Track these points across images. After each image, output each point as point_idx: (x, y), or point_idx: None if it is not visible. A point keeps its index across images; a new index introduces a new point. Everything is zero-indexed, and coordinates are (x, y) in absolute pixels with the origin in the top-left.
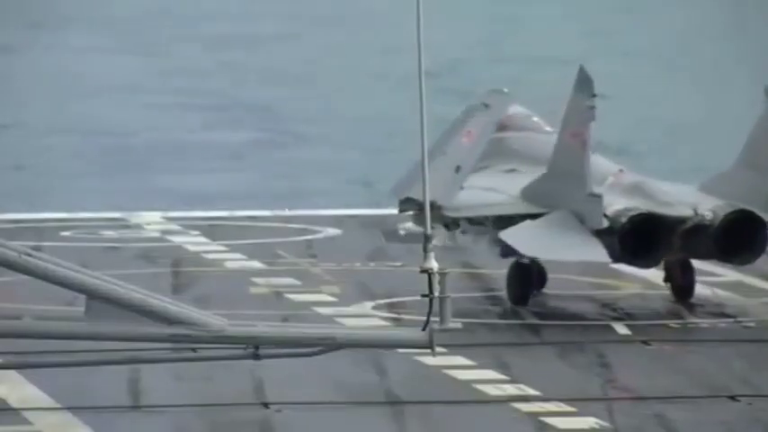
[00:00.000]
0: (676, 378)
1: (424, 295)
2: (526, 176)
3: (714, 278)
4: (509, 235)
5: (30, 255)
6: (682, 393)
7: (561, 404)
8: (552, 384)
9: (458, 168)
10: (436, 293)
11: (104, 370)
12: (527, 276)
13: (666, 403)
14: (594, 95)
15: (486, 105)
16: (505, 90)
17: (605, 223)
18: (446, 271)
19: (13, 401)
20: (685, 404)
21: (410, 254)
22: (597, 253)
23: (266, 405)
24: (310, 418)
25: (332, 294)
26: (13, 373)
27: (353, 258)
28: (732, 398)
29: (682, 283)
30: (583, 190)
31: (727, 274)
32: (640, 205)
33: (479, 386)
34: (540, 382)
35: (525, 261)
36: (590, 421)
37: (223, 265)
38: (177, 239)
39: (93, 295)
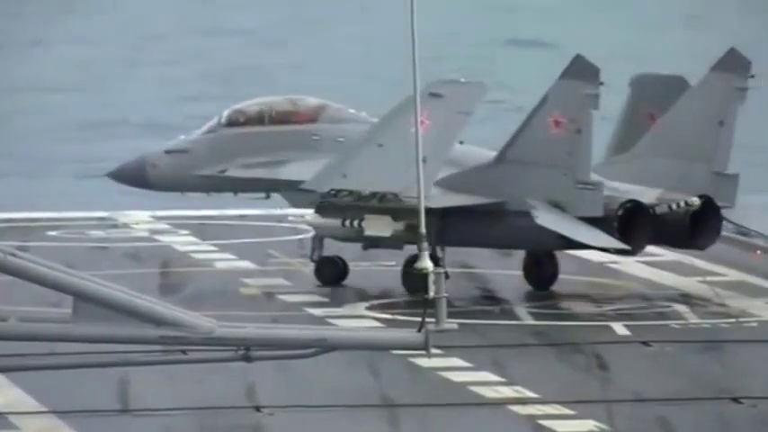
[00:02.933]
0: (677, 379)
1: (419, 295)
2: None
3: (716, 278)
4: (548, 221)
5: (15, 255)
6: (683, 395)
7: (560, 407)
8: (550, 386)
9: (425, 159)
10: (432, 294)
11: (92, 373)
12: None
13: (667, 405)
14: (601, 83)
15: (438, 95)
16: (462, 80)
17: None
18: (442, 271)
19: None
20: (687, 406)
21: (405, 254)
22: (612, 241)
23: (258, 408)
24: (303, 421)
25: (324, 295)
26: None
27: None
28: (735, 399)
29: (549, 273)
30: (572, 178)
31: (729, 273)
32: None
33: (476, 388)
34: (537, 384)
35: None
36: (589, 424)
37: (213, 265)
38: (166, 239)
39: (80, 296)
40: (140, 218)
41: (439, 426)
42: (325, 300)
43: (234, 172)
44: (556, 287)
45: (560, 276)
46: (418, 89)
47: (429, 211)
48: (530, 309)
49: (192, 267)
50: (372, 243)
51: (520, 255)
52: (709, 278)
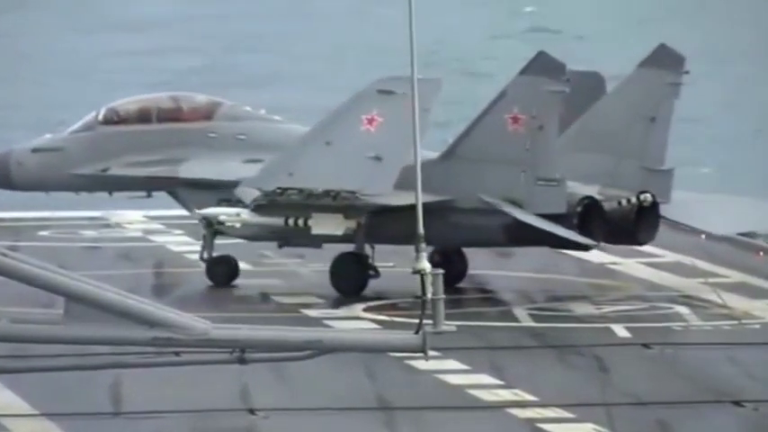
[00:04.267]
0: (678, 382)
1: (416, 297)
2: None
3: (718, 279)
4: (526, 217)
5: (5, 255)
6: (684, 398)
7: (559, 410)
8: (549, 389)
9: (380, 157)
10: (429, 295)
11: (84, 375)
12: (361, 265)
13: (668, 408)
14: (568, 80)
15: (390, 92)
16: (418, 76)
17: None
18: (439, 272)
19: None
20: (688, 409)
21: (402, 255)
22: (580, 237)
23: (253, 411)
24: (298, 424)
25: (320, 296)
26: None
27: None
28: (737, 403)
29: (458, 269)
30: (531, 175)
31: (731, 275)
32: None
33: (473, 391)
34: (536, 387)
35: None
36: (588, 427)
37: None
38: (159, 239)
39: (72, 297)
40: (133, 217)
41: (436, 429)
42: (321, 301)
43: (118, 170)
44: (556, 288)
45: (560, 278)
46: (416, 90)
47: (359, 209)
48: (529, 310)
49: (185, 268)
50: (295, 242)
51: (520, 256)
52: (710, 280)
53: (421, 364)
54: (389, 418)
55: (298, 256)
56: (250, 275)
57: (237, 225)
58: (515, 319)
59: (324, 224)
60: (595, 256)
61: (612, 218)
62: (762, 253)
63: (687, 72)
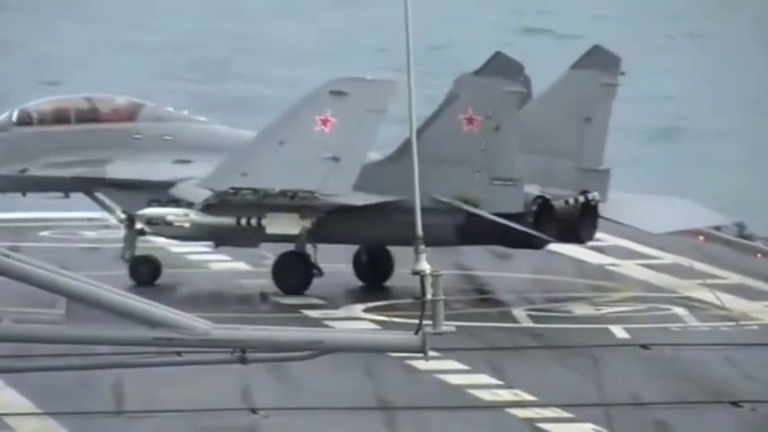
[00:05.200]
0: (677, 383)
1: (416, 298)
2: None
3: (716, 281)
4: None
5: (7, 255)
6: (682, 399)
7: (558, 410)
8: (549, 389)
9: (337, 158)
10: (429, 296)
11: (87, 374)
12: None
13: (666, 409)
14: (526, 81)
15: (342, 93)
16: (369, 77)
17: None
18: (439, 273)
19: None
20: (686, 410)
21: (402, 256)
22: (539, 234)
23: (254, 410)
24: (299, 424)
25: (321, 297)
26: None
27: (343, 260)
28: (734, 403)
29: (384, 269)
30: (487, 175)
31: (729, 276)
32: None
33: (473, 391)
34: (535, 387)
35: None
36: (587, 427)
37: (207, 266)
38: (160, 240)
39: (73, 297)
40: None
41: (435, 428)
42: (322, 302)
43: (38, 171)
44: (555, 289)
45: (559, 279)
46: (414, 91)
47: (315, 209)
48: (528, 311)
49: (186, 269)
50: (234, 242)
51: (520, 256)
52: (709, 281)
53: (421, 365)
54: (390, 417)
55: None
56: (250, 276)
57: (186, 225)
58: (515, 320)
59: (278, 224)
60: (594, 257)
61: (561, 217)
62: (759, 255)
63: (623, 73)
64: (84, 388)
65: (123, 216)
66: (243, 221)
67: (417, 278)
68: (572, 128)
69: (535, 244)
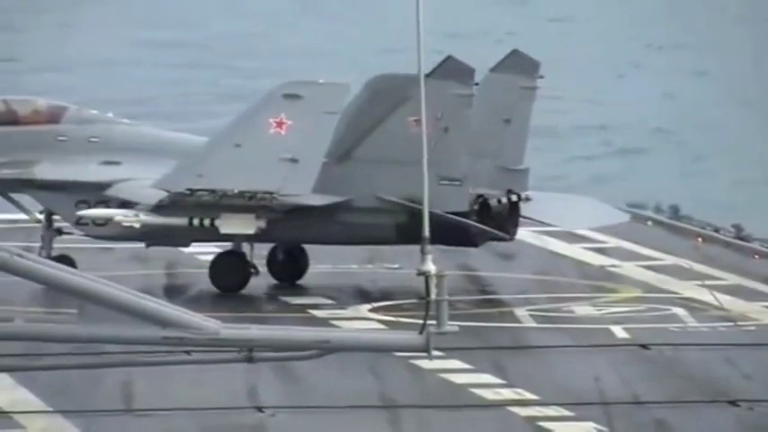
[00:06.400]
0: (676, 382)
1: (421, 298)
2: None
3: (715, 282)
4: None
5: (21, 256)
6: (681, 398)
7: (559, 408)
8: (550, 388)
9: (295, 159)
10: (433, 296)
11: (97, 373)
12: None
13: (666, 408)
14: (476, 84)
15: (296, 96)
16: (321, 81)
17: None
18: (444, 274)
19: (5, 404)
20: (685, 409)
21: (407, 256)
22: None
23: (260, 409)
24: (305, 422)
25: (328, 297)
26: (4, 375)
27: (350, 260)
28: (733, 403)
29: (300, 266)
30: (434, 174)
31: (728, 277)
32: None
33: (476, 390)
34: (537, 387)
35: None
36: (588, 426)
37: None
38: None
39: (85, 297)
40: None
41: (439, 427)
42: (329, 302)
43: None
44: (556, 290)
45: (561, 279)
46: (423, 92)
47: (272, 209)
48: (530, 311)
49: (196, 269)
50: (166, 242)
51: (521, 258)
52: (708, 282)
53: (425, 364)
54: (394, 416)
55: None
56: (259, 276)
57: (137, 225)
58: (517, 320)
59: (233, 224)
60: (595, 258)
61: (495, 215)
62: (757, 256)
63: (542, 77)
64: (94, 386)
65: (41, 216)
66: (195, 222)
67: (420, 278)
68: (492, 129)
69: (475, 243)
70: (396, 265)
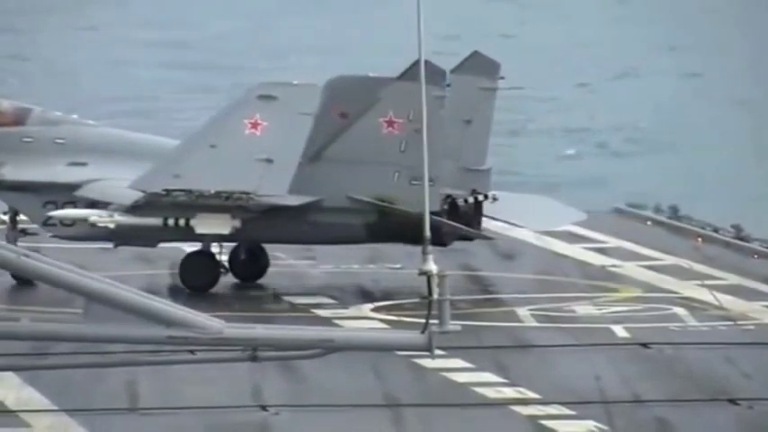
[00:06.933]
0: (676, 381)
1: (423, 298)
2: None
3: (715, 282)
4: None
5: (28, 256)
6: (681, 396)
7: (560, 407)
8: (551, 387)
9: (270, 160)
10: (435, 296)
11: (102, 372)
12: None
13: (666, 406)
14: (448, 86)
15: (271, 97)
16: (295, 82)
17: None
18: (445, 273)
19: (11, 403)
20: (685, 407)
21: (409, 256)
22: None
23: (264, 408)
24: (308, 420)
25: (331, 296)
26: (10, 374)
27: (352, 260)
28: (732, 401)
29: (262, 265)
30: (405, 175)
31: (728, 277)
32: None
33: (478, 389)
34: (539, 385)
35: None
36: (589, 425)
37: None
38: None
39: (90, 297)
40: None
41: (441, 425)
42: (332, 301)
43: None
44: (558, 289)
45: (562, 279)
46: (424, 92)
47: (248, 209)
48: (532, 311)
49: None
50: (134, 242)
51: (523, 258)
52: (707, 282)
53: (427, 363)
54: (397, 414)
55: (309, 258)
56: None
57: (111, 226)
58: (519, 320)
59: (209, 224)
60: (597, 258)
61: (462, 215)
62: (756, 256)
63: (502, 78)
64: (99, 385)
65: (5, 217)
66: (170, 222)
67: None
68: (453, 130)
69: (444, 242)
70: (398, 265)
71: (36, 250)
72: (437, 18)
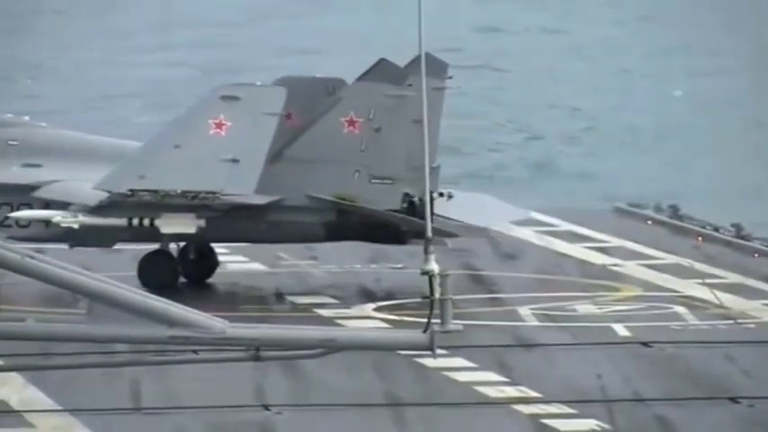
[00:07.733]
0: (676, 380)
1: (425, 297)
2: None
3: (715, 280)
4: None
5: (32, 257)
6: (682, 395)
7: (562, 406)
8: (553, 386)
9: (237, 160)
10: (437, 295)
11: (106, 372)
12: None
13: (667, 405)
14: (410, 85)
15: (234, 98)
16: (258, 83)
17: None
18: (447, 273)
19: (15, 403)
20: (686, 406)
21: (411, 256)
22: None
23: (267, 407)
24: (311, 420)
25: (333, 296)
26: (14, 375)
27: (355, 260)
28: (733, 399)
29: (211, 265)
30: (366, 174)
31: (728, 276)
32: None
33: (480, 388)
34: (540, 384)
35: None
36: (590, 423)
37: (224, 266)
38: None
39: (94, 297)
40: None
41: (443, 424)
42: (334, 301)
43: None
44: (559, 288)
45: (565, 279)
46: (425, 93)
47: (213, 209)
48: (533, 310)
49: None
50: (90, 242)
51: (525, 258)
52: (708, 281)
53: (429, 362)
54: (399, 414)
55: (311, 258)
56: (266, 276)
57: (75, 226)
58: (520, 319)
59: (174, 223)
60: (598, 257)
61: (419, 213)
62: (757, 255)
63: (450, 77)
64: (103, 385)
65: None
66: (135, 222)
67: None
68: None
69: (403, 240)
70: (399, 265)
71: (39, 251)
72: (437, 18)
